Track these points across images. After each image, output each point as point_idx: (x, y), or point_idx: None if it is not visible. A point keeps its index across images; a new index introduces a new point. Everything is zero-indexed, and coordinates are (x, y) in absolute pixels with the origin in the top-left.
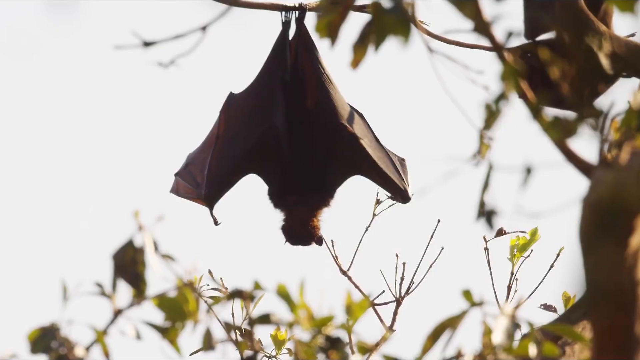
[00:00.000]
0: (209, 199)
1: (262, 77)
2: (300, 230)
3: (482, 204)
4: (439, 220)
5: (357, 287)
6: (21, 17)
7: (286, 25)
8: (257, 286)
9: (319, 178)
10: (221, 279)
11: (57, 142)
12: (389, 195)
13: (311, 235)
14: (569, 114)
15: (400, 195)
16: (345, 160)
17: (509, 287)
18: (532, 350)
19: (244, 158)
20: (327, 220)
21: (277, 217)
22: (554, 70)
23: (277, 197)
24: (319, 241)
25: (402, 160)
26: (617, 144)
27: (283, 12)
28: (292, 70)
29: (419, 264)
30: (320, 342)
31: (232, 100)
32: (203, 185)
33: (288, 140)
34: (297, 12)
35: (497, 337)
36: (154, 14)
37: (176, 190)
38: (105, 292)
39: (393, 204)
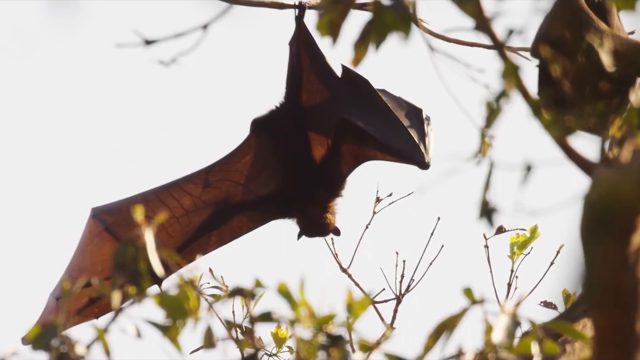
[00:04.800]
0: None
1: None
2: (316, 227)
3: (484, 202)
4: (439, 218)
5: (357, 284)
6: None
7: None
8: (258, 284)
9: (326, 175)
10: (222, 277)
11: (58, 141)
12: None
13: (327, 229)
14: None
15: (419, 165)
16: (352, 152)
17: (509, 285)
18: (534, 348)
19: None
20: (341, 209)
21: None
22: (556, 69)
23: (285, 207)
24: (336, 232)
25: (418, 114)
26: (618, 142)
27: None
28: (292, 71)
29: (419, 262)
30: (322, 340)
31: (113, 210)
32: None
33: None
34: (296, 10)
35: (497, 336)
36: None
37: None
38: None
39: (393, 202)
